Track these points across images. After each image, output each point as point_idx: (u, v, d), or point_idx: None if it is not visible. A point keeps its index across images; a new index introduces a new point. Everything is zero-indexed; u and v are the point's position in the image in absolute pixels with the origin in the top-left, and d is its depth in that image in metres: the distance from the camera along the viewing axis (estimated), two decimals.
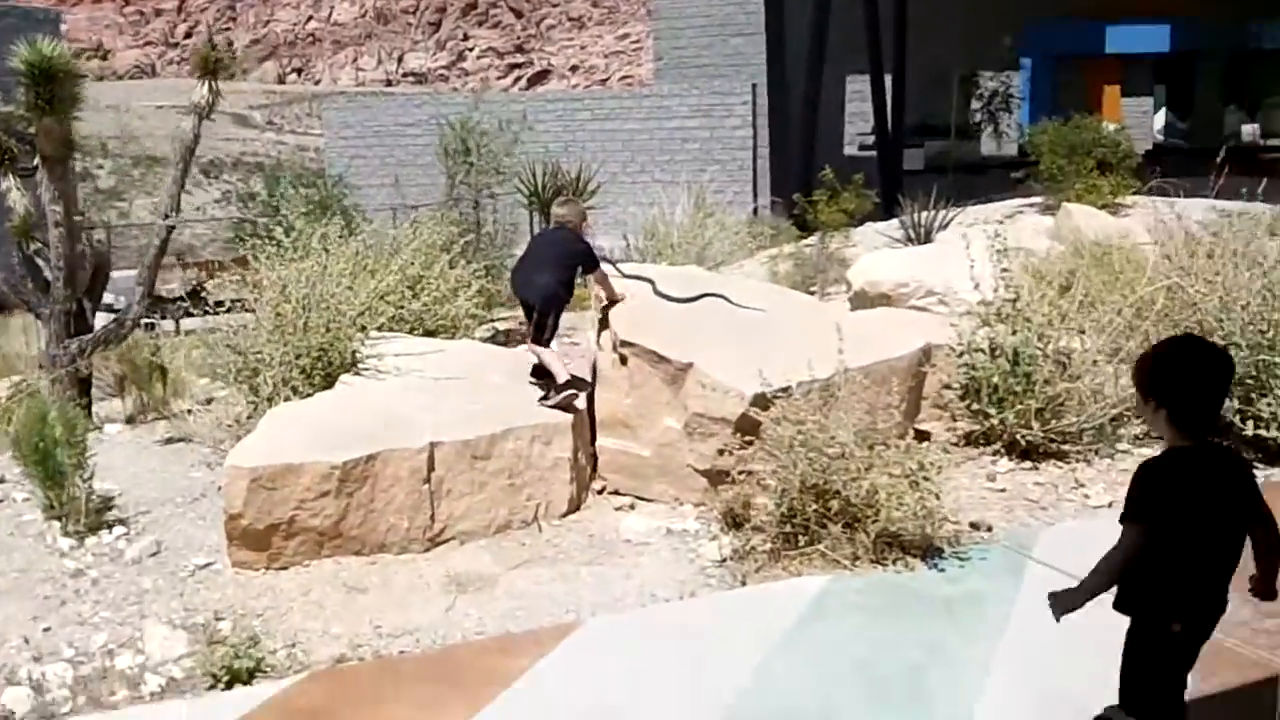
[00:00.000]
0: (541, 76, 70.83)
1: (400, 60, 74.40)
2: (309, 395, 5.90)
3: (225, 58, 9.99)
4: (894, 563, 4.65)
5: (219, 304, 6.72)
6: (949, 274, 7.73)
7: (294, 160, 41.89)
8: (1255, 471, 5.59)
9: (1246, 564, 2.98)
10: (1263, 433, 5.66)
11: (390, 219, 11.18)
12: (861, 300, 8.52)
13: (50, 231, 7.07)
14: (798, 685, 3.82)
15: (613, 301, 5.97)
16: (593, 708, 3.73)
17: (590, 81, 67.05)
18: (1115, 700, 3.13)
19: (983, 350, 5.98)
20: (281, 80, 72.42)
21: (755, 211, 18.95)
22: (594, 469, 5.79)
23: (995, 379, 5.87)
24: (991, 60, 28.26)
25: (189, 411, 6.87)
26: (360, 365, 6.16)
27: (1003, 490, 5.57)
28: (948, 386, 6.18)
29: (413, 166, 21.90)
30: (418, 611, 4.47)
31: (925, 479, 4.70)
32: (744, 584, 4.64)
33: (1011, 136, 28.41)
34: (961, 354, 6.07)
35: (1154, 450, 3.78)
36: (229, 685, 3.89)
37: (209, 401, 7.14)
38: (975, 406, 6.01)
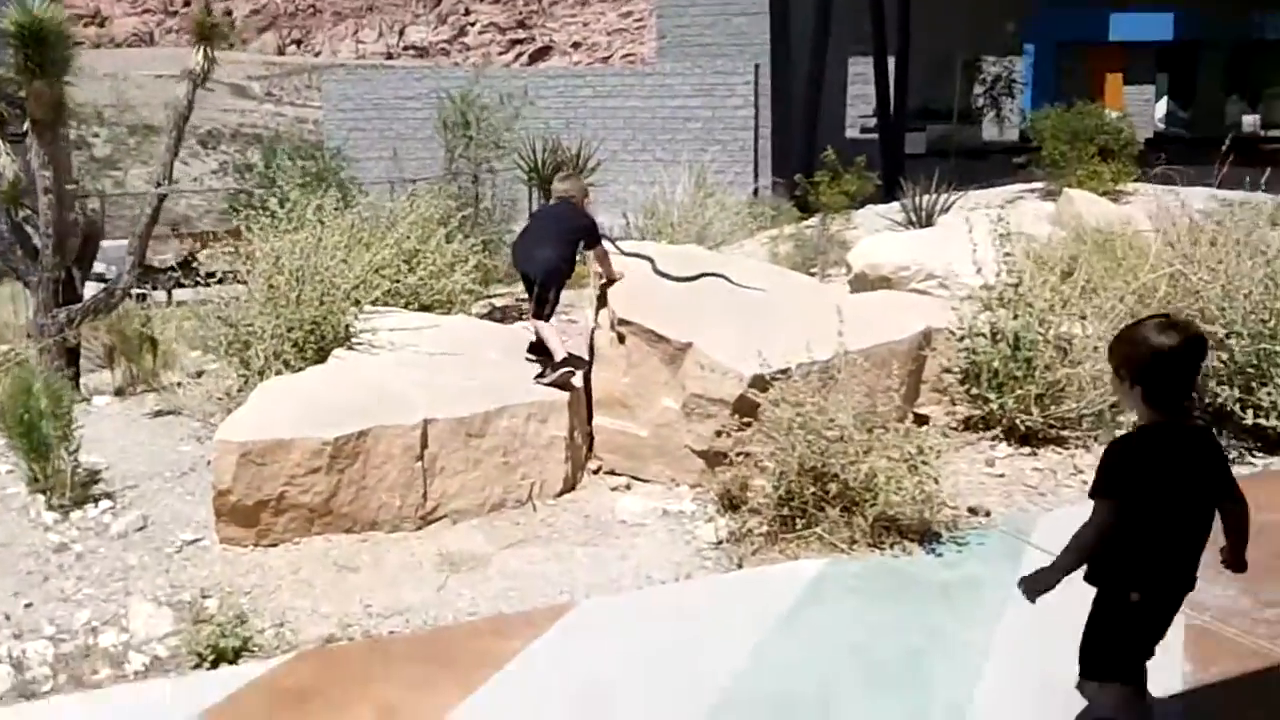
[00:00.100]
0: (543, 53, 70.46)
1: (401, 33, 73.98)
2: (301, 369, 5.84)
3: (223, 25, 9.85)
4: (891, 547, 4.63)
5: (210, 275, 6.63)
6: (950, 258, 7.67)
7: (292, 132, 41.65)
8: (1255, 460, 5.63)
9: (1217, 536, 3.03)
10: (1263, 421, 5.63)
11: (388, 192, 11.05)
12: (861, 283, 8.46)
13: (39, 198, 6.98)
14: (794, 669, 3.79)
15: (611, 280, 5.91)
16: (586, 690, 3.69)
17: (592, 59, 66.72)
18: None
19: (983, 335, 5.96)
20: (281, 51, 72.01)
21: (756, 192, 18.87)
22: (590, 448, 5.74)
23: (996, 364, 5.85)
24: (995, 45, 28.17)
25: (179, 384, 6.80)
26: (354, 339, 6.10)
27: (1001, 475, 5.55)
28: (947, 370, 6.15)
29: (412, 140, 21.75)
30: (409, 591, 4.42)
31: (924, 463, 4.69)
32: (740, 566, 4.61)
33: (1013, 122, 28.36)
34: (962, 338, 6.05)
35: None
36: (215, 664, 3.83)
37: (199, 374, 7.06)
38: (975, 391, 5.99)
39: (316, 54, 70.97)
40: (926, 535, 4.70)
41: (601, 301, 5.92)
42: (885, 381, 5.47)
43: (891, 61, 22.80)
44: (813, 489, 4.67)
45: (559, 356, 5.58)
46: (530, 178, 14.15)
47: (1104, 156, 13.34)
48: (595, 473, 5.67)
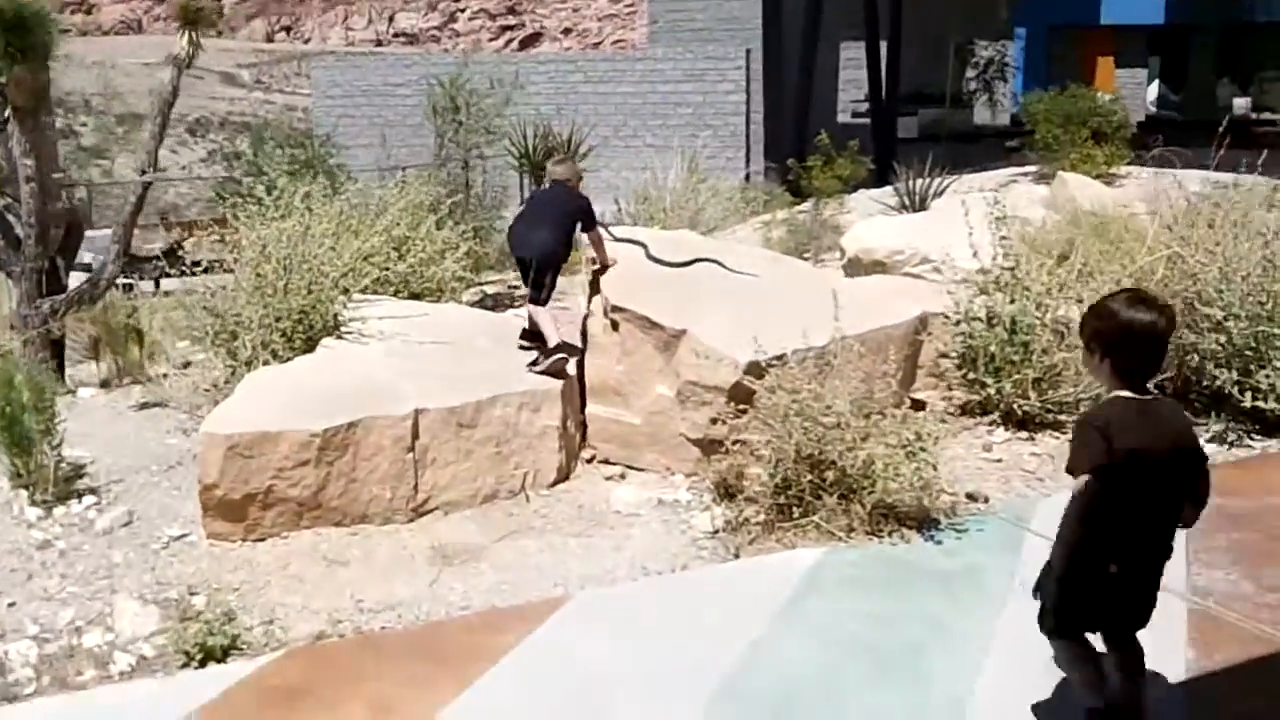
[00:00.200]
0: (534, 39, 70.09)
1: (391, 20, 73.52)
2: (289, 359, 5.75)
3: (210, 10, 9.72)
4: (890, 534, 4.59)
5: (197, 264, 6.53)
6: (944, 242, 7.62)
7: (282, 119, 41.35)
8: (1253, 443, 5.59)
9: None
10: (1261, 404, 5.60)
11: (377, 179, 10.94)
12: (855, 267, 8.42)
13: (22, 187, 6.87)
14: (792, 660, 3.75)
15: (604, 266, 5.84)
16: (583, 684, 3.64)
17: (583, 45, 66.35)
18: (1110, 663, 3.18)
19: (980, 319, 5.93)
20: (270, 38, 71.52)
21: (748, 177, 18.73)
22: (583, 437, 5.68)
23: (992, 348, 5.82)
24: (987, 29, 28.07)
25: (165, 375, 6.72)
26: (343, 329, 6.02)
27: (999, 461, 5.52)
28: (944, 355, 6.12)
29: (401, 127, 21.57)
30: (401, 585, 4.35)
31: (922, 449, 4.66)
32: (737, 556, 4.56)
33: (1005, 106, 28.29)
34: (958, 322, 6.01)
35: None
36: (202, 663, 3.76)
37: (186, 365, 6.98)
38: (972, 376, 5.97)
39: (306, 41, 70.52)
40: (925, 522, 4.66)
41: (594, 288, 5.86)
42: (882, 367, 5.40)
43: (883, 46, 22.74)
44: (810, 477, 4.63)
45: (553, 342, 5.53)
46: (521, 164, 14.05)
47: (1097, 140, 13.29)
48: (589, 462, 5.60)
